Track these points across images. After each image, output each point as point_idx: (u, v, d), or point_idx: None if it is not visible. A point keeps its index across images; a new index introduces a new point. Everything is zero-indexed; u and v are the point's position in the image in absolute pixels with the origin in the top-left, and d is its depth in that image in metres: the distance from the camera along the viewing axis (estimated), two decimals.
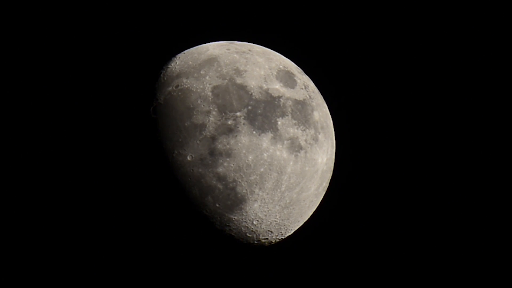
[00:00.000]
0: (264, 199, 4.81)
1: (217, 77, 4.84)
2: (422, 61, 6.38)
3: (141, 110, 4.96)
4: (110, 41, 6.18)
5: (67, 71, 6.12)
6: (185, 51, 5.25)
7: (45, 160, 5.88)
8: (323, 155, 5.09)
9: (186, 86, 4.83)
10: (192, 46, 5.30)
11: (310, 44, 6.29)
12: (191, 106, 4.75)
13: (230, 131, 4.70)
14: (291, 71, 5.16)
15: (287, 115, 4.87)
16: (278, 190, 4.83)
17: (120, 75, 5.92)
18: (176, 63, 5.10)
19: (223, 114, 4.72)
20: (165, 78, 4.99)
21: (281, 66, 5.11)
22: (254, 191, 4.76)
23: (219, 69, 4.89)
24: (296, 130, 4.89)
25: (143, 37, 6.19)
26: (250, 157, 4.71)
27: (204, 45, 5.28)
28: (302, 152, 4.92)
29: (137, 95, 5.08)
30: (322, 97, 5.32)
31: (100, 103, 5.85)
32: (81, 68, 6.13)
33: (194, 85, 4.82)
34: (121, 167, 5.01)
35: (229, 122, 4.70)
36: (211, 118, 4.71)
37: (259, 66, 5.00)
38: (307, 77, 5.32)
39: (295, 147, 4.87)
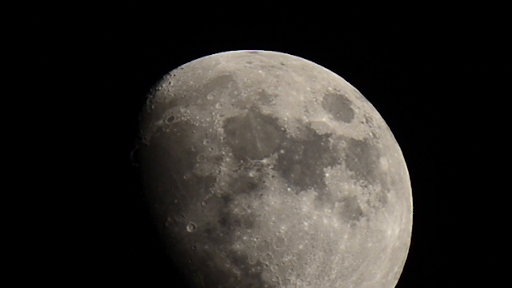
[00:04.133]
0: None
1: (233, 104, 4.54)
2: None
3: (117, 155, 4.65)
4: (74, 56, 6.12)
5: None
6: (183, 66, 5.05)
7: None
8: (394, 225, 4.76)
9: (185, 119, 4.53)
10: (194, 58, 5.13)
11: (362, 55, 6.36)
12: (193, 149, 4.40)
13: (252, 187, 4.34)
14: (346, 95, 4.86)
15: (340, 164, 4.52)
16: (326, 278, 4.50)
17: (87, 103, 5.83)
18: (169, 83, 4.85)
19: (242, 161, 4.37)
20: (152, 107, 4.71)
21: (330, 88, 4.82)
22: (289, 280, 4.43)
23: (235, 92, 4.61)
24: (353, 186, 4.55)
25: (121, 46, 6.08)
26: (282, 228, 4.34)
27: (212, 56, 5.09)
28: (363, 219, 4.54)
29: (111, 133, 4.84)
30: (392, 135, 5.04)
31: (61, 142, 5.64)
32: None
33: (198, 117, 4.51)
34: (91, 243, 4.72)
35: (251, 174, 4.35)
36: (224, 168, 4.36)
37: (297, 88, 4.70)
38: (371, 105, 5.06)
39: (351, 212, 4.50)
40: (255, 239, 4.36)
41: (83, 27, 6.22)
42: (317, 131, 4.56)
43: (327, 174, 4.49)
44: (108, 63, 6.08)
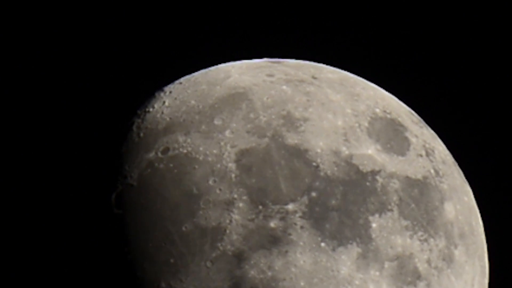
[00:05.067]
0: None
1: (248, 132, 4.04)
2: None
3: (94, 199, 4.15)
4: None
5: None
6: (181, 80, 4.54)
7: None
8: None
9: (185, 151, 4.06)
10: (197, 69, 4.64)
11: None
12: (195, 191, 3.90)
13: (275, 242, 3.85)
14: (399, 120, 4.33)
15: (391, 210, 3.99)
16: None
17: (55, 129, 5.40)
18: (163, 103, 4.40)
19: (260, 207, 3.88)
20: (141, 135, 4.25)
21: (378, 110, 4.33)
22: None
23: (252, 115, 4.14)
24: (408, 240, 4.01)
25: (98, 53, 5.64)
26: None
27: (221, 66, 4.58)
28: (422, 285, 4.00)
29: (87, 170, 4.39)
30: (461, 172, 4.48)
31: (20, 184, 5.07)
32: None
33: (201, 149, 4.03)
34: None
35: (272, 225, 3.86)
36: (236, 216, 3.89)
37: (334, 109, 4.19)
38: (432, 132, 4.53)
39: (407, 275, 3.96)
40: None
41: (54, 30, 5.89)
42: (361, 167, 4.04)
43: (374, 225, 3.96)
44: (82, 76, 5.66)
